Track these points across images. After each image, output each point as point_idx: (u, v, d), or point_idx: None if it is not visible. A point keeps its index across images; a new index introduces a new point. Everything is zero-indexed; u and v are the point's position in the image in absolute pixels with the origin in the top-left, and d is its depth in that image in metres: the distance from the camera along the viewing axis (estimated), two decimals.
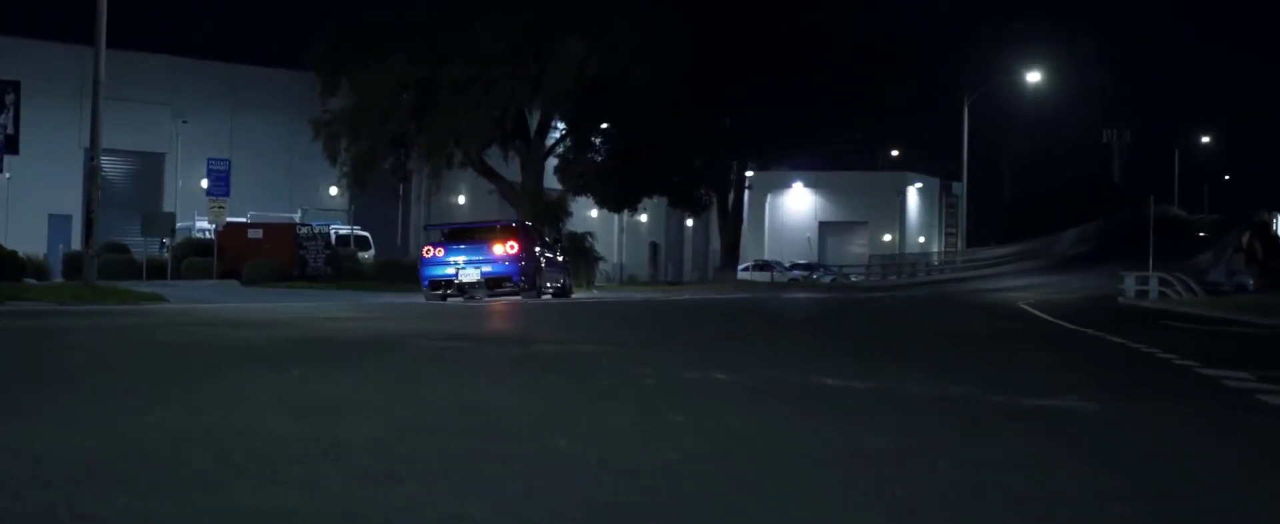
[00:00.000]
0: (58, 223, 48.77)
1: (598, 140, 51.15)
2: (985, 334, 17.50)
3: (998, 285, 57.01)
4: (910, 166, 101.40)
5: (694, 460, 4.96)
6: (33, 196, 48.47)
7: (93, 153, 26.35)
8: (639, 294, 36.78)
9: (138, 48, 47.12)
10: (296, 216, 46.76)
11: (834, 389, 7.86)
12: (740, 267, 63.52)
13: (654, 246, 74.86)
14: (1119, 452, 5.60)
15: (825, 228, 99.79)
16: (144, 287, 28.48)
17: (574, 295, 32.37)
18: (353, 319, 16.38)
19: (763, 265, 75.11)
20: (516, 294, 28.31)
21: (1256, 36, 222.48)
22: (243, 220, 42.08)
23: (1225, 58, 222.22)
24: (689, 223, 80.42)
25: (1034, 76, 78.21)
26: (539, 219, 44.03)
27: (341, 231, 46.09)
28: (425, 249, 29.64)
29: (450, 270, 28.13)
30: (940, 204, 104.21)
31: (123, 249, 38.59)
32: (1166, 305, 37.50)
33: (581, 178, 50.05)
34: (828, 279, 74.76)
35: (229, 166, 37.54)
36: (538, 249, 30.13)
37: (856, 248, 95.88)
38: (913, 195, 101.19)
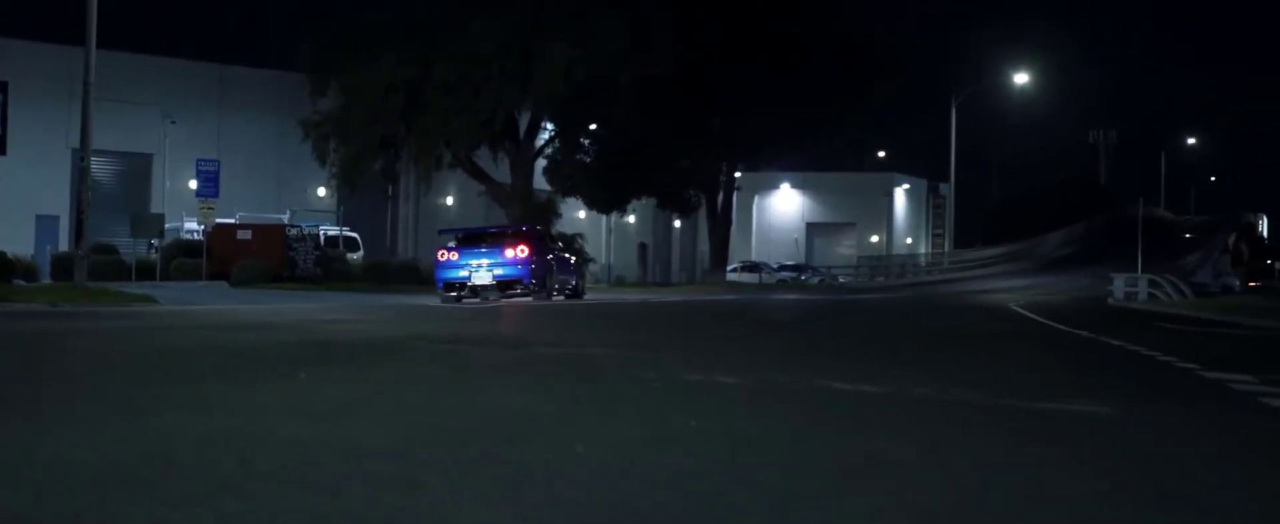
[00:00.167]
0: (45, 224, 48.61)
1: (587, 141, 51.13)
2: (982, 336, 17.52)
3: (986, 286, 57.13)
4: (897, 168, 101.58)
5: (715, 467, 4.96)
6: (20, 197, 48.29)
7: (83, 153, 26.23)
8: (630, 296, 36.75)
9: (126, 48, 46.91)
10: (285, 218, 46.63)
11: (843, 393, 7.85)
12: (728, 268, 63.54)
13: (642, 247, 74.86)
14: (1142, 458, 5.60)
15: (812, 229, 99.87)
16: (133, 288, 28.38)
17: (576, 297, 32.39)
18: (350, 321, 16.34)
19: (751, 266, 75.12)
20: (528, 296, 29.22)
21: (1243, 39, 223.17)
22: (231, 221, 41.96)
23: (1211, 60, 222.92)
24: (677, 224, 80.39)
25: (1021, 78, 78.39)
26: (528, 220, 44.02)
27: (330, 233, 45.99)
28: (440, 252, 30.47)
29: (464, 273, 29.05)
30: (927, 205, 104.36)
31: (111, 250, 38.44)
32: (1156, 307, 37.58)
33: (570, 179, 50.03)
34: (816, 280, 74.79)
35: (218, 167, 37.43)
36: (549, 254, 31.19)
37: (844, 249, 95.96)
38: (900, 196, 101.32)
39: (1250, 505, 4.53)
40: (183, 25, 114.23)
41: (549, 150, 48.22)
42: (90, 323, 15.05)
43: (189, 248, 39.48)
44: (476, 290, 28.80)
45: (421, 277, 40.80)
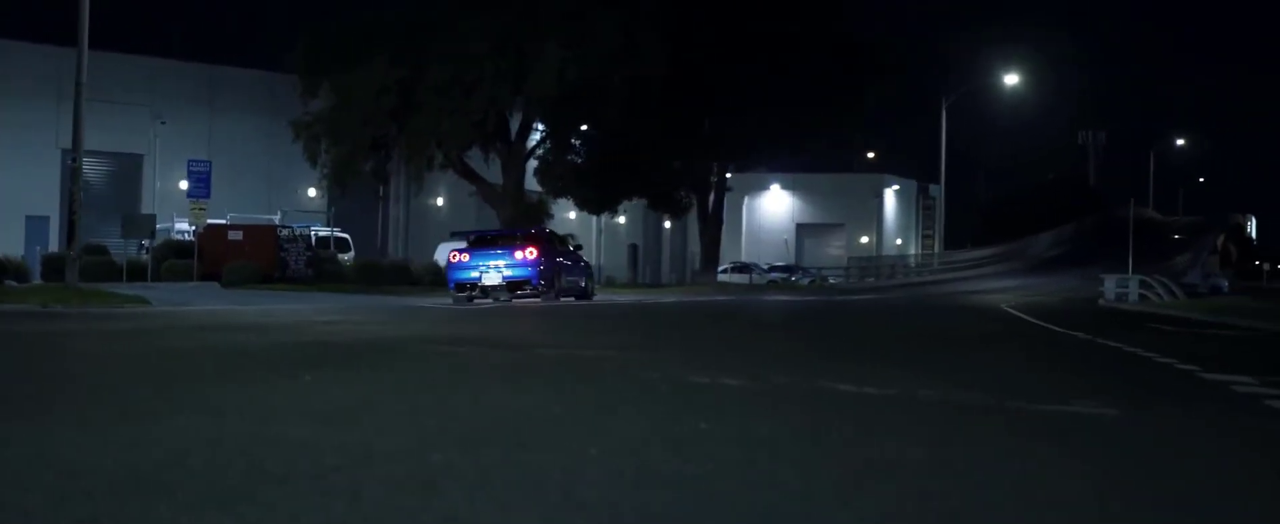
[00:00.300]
0: (35, 224, 48.47)
1: (577, 142, 51.10)
2: (977, 337, 17.53)
3: (976, 287, 57.20)
4: (887, 169, 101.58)
5: (733, 470, 4.95)
6: (9, 198, 48.19)
7: (75, 154, 26.16)
8: (622, 297, 36.73)
9: (116, 48, 46.81)
10: (276, 218, 46.53)
11: (849, 395, 7.85)
12: (718, 269, 63.52)
13: (633, 249, 74.87)
14: (1151, 462, 5.61)
15: (802, 230, 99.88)
16: (125, 289, 28.30)
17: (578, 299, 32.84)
18: (347, 322, 16.30)
19: (741, 267, 75.12)
20: (537, 296, 30.06)
21: (1232, 41, 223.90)
22: (222, 222, 41.86)
23: (1200, 61, 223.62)
24: (667, 225, 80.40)
25: (1011, 79, 78.50)
26: (520, 221, 43.95)
27: (321, 234, 45.91)
28: (452, 254, 31.48)
29: (475, 274, 29.94)
30: (917, 206, 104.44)
31: (102, 251, 38.33)
32: (1148, 308, 37.65)
33: (561, 180, 50.00)
34: (806, 281, 74.82)
35: (210, 168, 37.33)
36: (558, 256, 32.11)
37: (833, 250, 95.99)
38: (890, 197, 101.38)
39: (1262, 510, 4.54)
40: (173, 26, 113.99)
41: (540, 151, 48.18)
42: (86, 324, 15.00)
43: (180, 249, 39.38)
44: (487, 290, 29.65)
45: (412, 277, 40.78)
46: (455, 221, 62.68)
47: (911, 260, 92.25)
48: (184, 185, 41.11)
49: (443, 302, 27.93)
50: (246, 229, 40.14)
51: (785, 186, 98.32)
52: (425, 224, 61.72)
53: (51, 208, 48.54)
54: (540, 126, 46.89)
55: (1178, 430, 6.75)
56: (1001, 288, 56.04)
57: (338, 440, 5.39)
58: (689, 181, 56.72)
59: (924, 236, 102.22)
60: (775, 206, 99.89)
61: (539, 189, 49.74)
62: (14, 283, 30.31)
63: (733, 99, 52.53)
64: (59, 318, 16.62)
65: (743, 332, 18.39)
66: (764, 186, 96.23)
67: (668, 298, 37.56)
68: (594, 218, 64.64)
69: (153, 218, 37.25)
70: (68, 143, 32.66)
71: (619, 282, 63.62)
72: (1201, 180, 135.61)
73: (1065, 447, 5.87)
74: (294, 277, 37.46)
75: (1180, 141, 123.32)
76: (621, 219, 70.42)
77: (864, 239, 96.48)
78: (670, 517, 4.08)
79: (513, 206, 44.26)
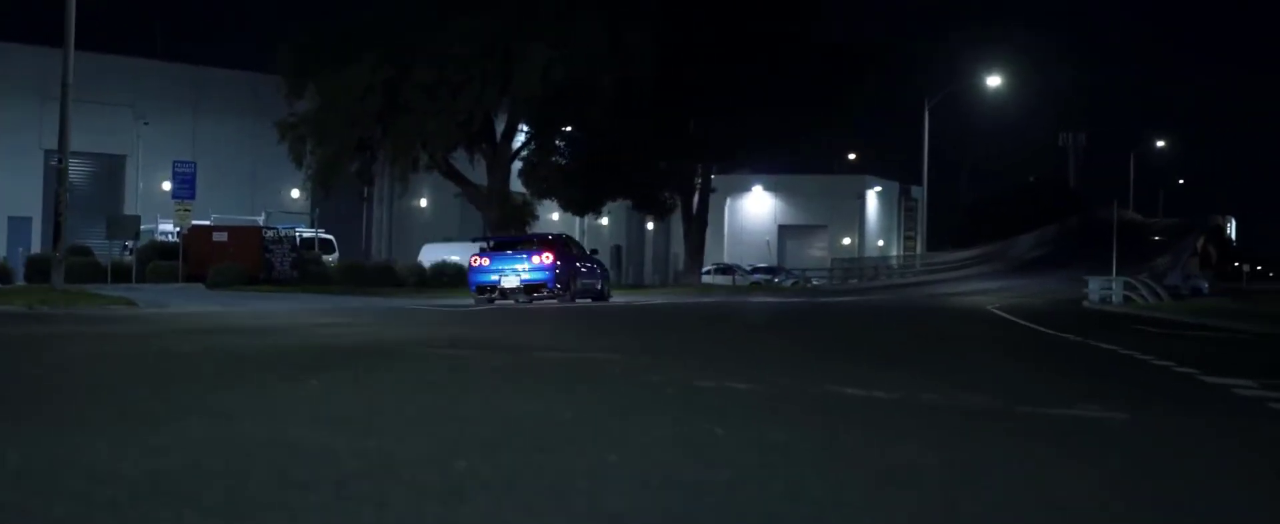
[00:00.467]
0: (17, 225, 48.19)
1: (562, 144, 51.04)
2: (971, 339, 17.55)
3: (960, 289, 57.29)
4: (868, 170, 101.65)
5: (755, 477, 4.93)
6: None
7: (61, 155, 26.02)
8: (613, 298, 36.72)
9: (99, 49, 46.57)
10: (260, 220, 46.37)
11: (857, 399, 7.84)
12: (702, 270, 63.49)
13: (617, 250, 74.83)
14: (1166, 468, 5.62)
15: (785, 231, 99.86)
16: (110, 290, 28.18)
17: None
18: (343, 325, 16.25)
19: (724, 269, 75.06)
20: (552, 298, 31.44)
21: (1211, 43, 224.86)
22: (207, 223, 41.69)
23: (1181, 63, 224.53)
24: (650, 226, 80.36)
25: (993, 81, 78.62)
26: (505, 222, 43.89)
27: (305, 235, 45.76)
28: (473, 258, 33.06)
29: (494, 277, 31.42)
30: (899, 207, 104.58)
31: (86, 252, 38.11)
32: (1132, 310, 37.77)
33: (546, 181, 49.90)
34: (789, 283, 74.83)
35: (195, 169, 37.16)
36: (574, 261, 33.60)
37: (816, 251, 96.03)
38: (872, 199, 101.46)
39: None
40: (156, 27, 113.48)
41: (525, 152, 48.12)
42: (79, 327, 14.91)
43: (164, 250, 39.19)
44: (506, 293, 31.09)
45: (397, 279, 40.70)
46: (438, 223, 62.62)
47: (894, 262, 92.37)
48: (167, 186, 40.92)
49: (431, 303, 27.94)
50: (231, 230, 39.98)
51: (767, 188, 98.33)
52: (408, 226, 61.58)
53: (34, 209, 48.27)
54: (525, 128, 46.81)
55: (1190, 436, 6.76)
56: (984, 289, 56.14)
57: (355, 446, 5.36)
58: (674, 183, 56.69)
59: (906, 238, 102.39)
60: (757, 208, 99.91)
61: (524, 190, 49.64)
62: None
63: (718, 100, 52.52)
64: (49, 320, 16.53)
65: (738, 334, 18.38)
66: (746, 188, 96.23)
67: (655, 299, 37.55)
68: (578, 219, 64.57)
69: (137, 219, 37.05)
70: (51, 143, 32.56)
71: None
72: (1181, 182, 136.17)
73: (1080, 452, 5.87)
74: (279, 278, 37.33)
75: (1160, 143, 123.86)
76: (604, 220, 70.38)
77: (846, 240, 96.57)
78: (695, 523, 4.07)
79: (498, 208, 44.17)
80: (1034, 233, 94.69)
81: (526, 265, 31.36)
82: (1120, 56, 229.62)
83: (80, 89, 26.61)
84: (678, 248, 71.99)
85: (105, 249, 37.85)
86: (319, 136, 40.09)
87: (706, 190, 58.42)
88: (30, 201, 48.37)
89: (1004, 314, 28.31)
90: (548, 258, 31.56)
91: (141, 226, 37.92)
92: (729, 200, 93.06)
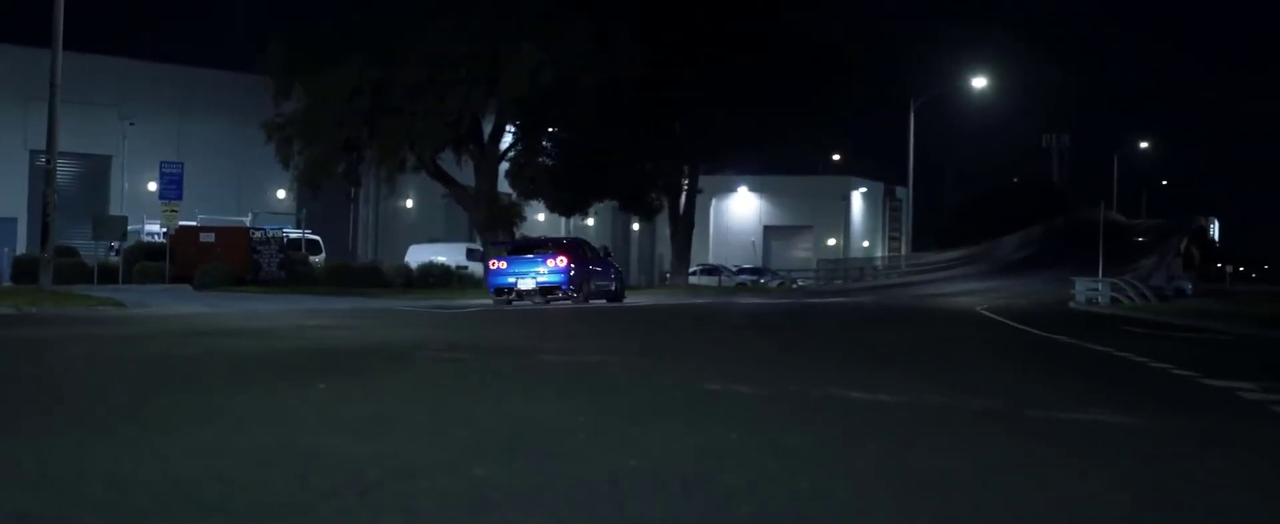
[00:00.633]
0: (2, 226, 47.88)
1: (548, 145, 50.90)
2: (965, 341, 17.57)
3: (946, 290, 57.37)
4: (853, 171, 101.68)
5: (777, 482, 4.92)
6: None
7: (49, 156, 25.90)
8: (599, 299, 36.76)
9: (84, 49, 46.31)
10: (247, 220, 46.17)
11: (864, 403, 7.84)
12: (688, 271, 63.45)
13: (605, 250, 74.76)
14: (1189, 473, 5.63)
15: (770, 232, 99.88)
16: (97, 291, 28.01)
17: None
18: (338, 327, 16.19)
19: (710, 270, 75.00)
20: (567, 300, 32.70)
21: (1195, 44, 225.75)
22: (193, 224, 41.49)
23: (1163, 64, 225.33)
24: (635, 227, 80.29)
25: (978, 82, 78.73)
26: (493, 223, 43.79)
27: (292, 236, 45.58)
28: (491, 262, 34.23)
29: (512, 280, 32.75)
30: (884, 208, 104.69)
31: (72, 253, 37.86)
32: (1119, 311, 37.88)
33: (532, 182, 49.74)
34: (775, 283, 74.83)
35: (182, 170, 36.94)
36: (588, 264, 34.75)
37: (800, 252, 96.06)
38: (856, 200, 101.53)
39: None
40: (142, 27, 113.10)
41: (512, 153, 48.02)
42: (74, 329, 14.82)
43: (151, 250, 38.98)
44: (522, 295, 32.43)
45: (384, 280, 40.56)
46: (424, 224, 62.50)
47: (879, 262, 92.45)
48: (153, 187, 40.72)
49: (421, 305, 27.87)
50: (219, 231, 39.79)
51: (753, 189, 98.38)
52: (394, 226, 61.43)
53: (19, 209, 48.02)
54: (512, 128, 46.68)
55: (1203, 441, 6.77)
56: (971, 290, 56.24)
57: (372, 452, 5.34)
58: (660, 183, 56.63)
59: (891, 239, 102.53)
60: (742, 209, 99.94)
61: (511, 191, 49.50)
62: None
63: (705, 100, 52.48)
64: (41, 322, 16.42)
65: (733, 335, 18.38)
66: (731, 189, 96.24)
67: (643, 300, 37.55)
68: (563, 219, 64.47)
69: (124, 220, 36.80)
70: (36, 144, 32.40)
71: None
72: (1165, 183, 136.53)
73: (1098, 458, 5.87)
74: (266, 279, 37.16)
75: (1144, 145, 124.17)
76: (590, 221, 70.27)
77: (831, 241, 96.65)
78: None
79: (485, 209, 44.04)
80: (1019, 234, 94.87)
81: (542, 269, 32.69)
82: (1103, 58, 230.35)
83: (65, 89, 26.45)
84: (663, 249, 71.95)
85: (91, 250, 37.62)
86: (306, 137, 39.88)
87: (694, 191, 58.38)
88: (14, 202, 48.11)
89: (993, 316, 28.37)
90: (562, 262, 32.87)
91: (128, 227, 37.71)
92: (714, 201, 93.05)
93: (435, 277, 42.35)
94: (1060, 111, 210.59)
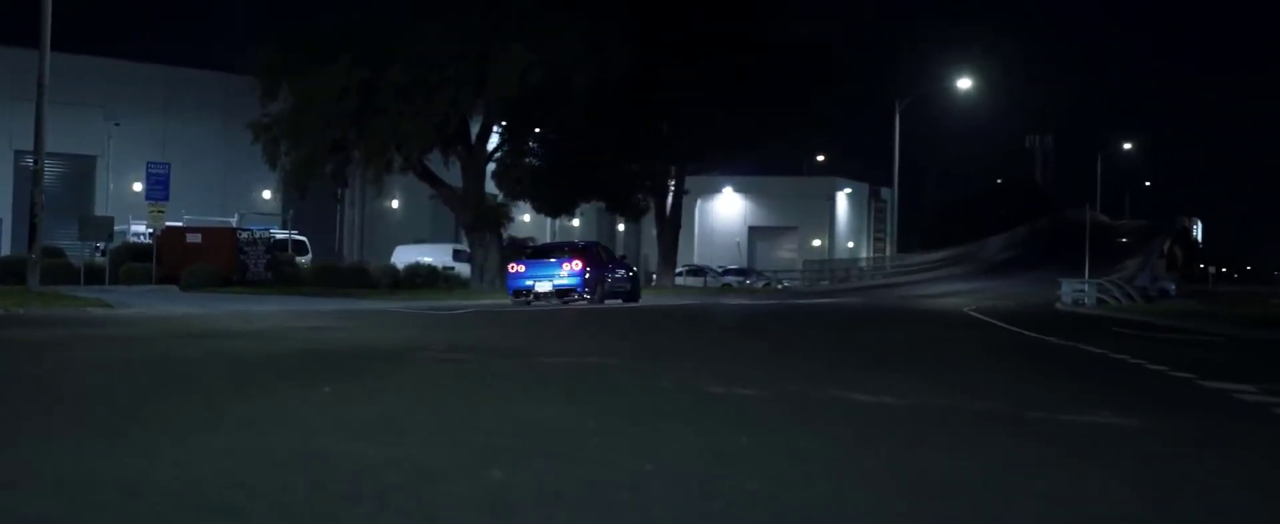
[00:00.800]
0: None
1: (535, 145, 50.85)
2: (959, 342, 17.58)
3: (932, 291, 57.47)
4: (838, 172, 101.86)
5: (796, 487, 4.91)
6: None
7: (37, 157, 25.81)
8: (615, 299, 37.07)
9: (70, 49, 46.16)
10: (233, 221, 46.09)
11: (869, 406, 7.84)
12: (675, 271, 63.47)
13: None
14: (1198, 479, 5.64)
15: (755, 232, 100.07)
16: (84, 292, 27.92)
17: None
18: (332, 328, 16.14)
19: (695, 270, 75.07)
20: (582, 301, 34.01)
21: (1178, 47, 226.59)
22: (179, 224, 41.39)
23: (1146, 67, 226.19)
24: (620, 227, 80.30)
25: (963, 84, 78.87)
26: (480, 224, 43.71)
27: (279, 236, 45.50)
28: (510, 266, 36.10)
29: (530, 282, 34.32)
30: (868, 209, 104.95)
31: (58, 253, 37.70)
32: (1107, 312, 37.98)
33: (519, 182, 49.70)
34: (761, 284, 74.90)
35: (169, 170, 36.81)
36: (603, 267, 36.25)
37: (785, 253, 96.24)
38: (841, 200, 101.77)
39: None
40: (127, 27, 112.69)
41: (499, 154, 47.96)
42: (67, 331, 14.75)
43: (137, 251, 38.85)
44: (539, 296, 33.89)
45: (371, 280, 40.51)
46: (410, 224, 62.48)
47: (864, 263, 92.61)
48: (138, 187, 40.58)
49: (411, 306, 27.83)
50: (205, 232, 39.69)
51: (738, 189, 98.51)
52: (380, 227, 61.43)
53: (4, 210, 47.90)
54: (498, 129, 46.60)
55: (1207, 445, 6.78)
56: (956, 291, 56.36)
57: (386, 456, 5.32)
58: (647, 184, 56.65)
59: (876, 239, 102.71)
60: (728, 209, 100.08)
61: (498, 192, 49.44)
62: None
63: (693, 102, 52.51)
64: (33, 324, 16.33)
65: (726, 336, 18.38)
66: (716, 189, 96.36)
67: (611, 301, 37.57)
68: (549, 220, 64.45)
69: (111, 220, 36.68)
70: (20, 144, 32.32)
71: None
72: (1147, 184, 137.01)
73: (1108, 462, 5.89)
74: (253, 280, 37.07)
75: (1127, 146, 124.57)
76: (576, 222, 70.29)
77: (816, 242, 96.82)
78: None
79: (473, 210, 43.97)
80: (1003, 235, 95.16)
81: (558, 272, 34.36)
82: (1087, 60, 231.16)
83: (51, 89, 26.37)
84: (649, 249, 71.95)
85: (76, 250, 37.49)
86: (293, 138, 39.73)
87: (680, 192, 58.40)
88: None
89: (983, 317, 28.42)
90: (577, 265, 34.52)
91: (115, 227, 37.58)
92: (700, 202, 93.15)
93: (422, 277, 42.32)
94: (1043, 113, 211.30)
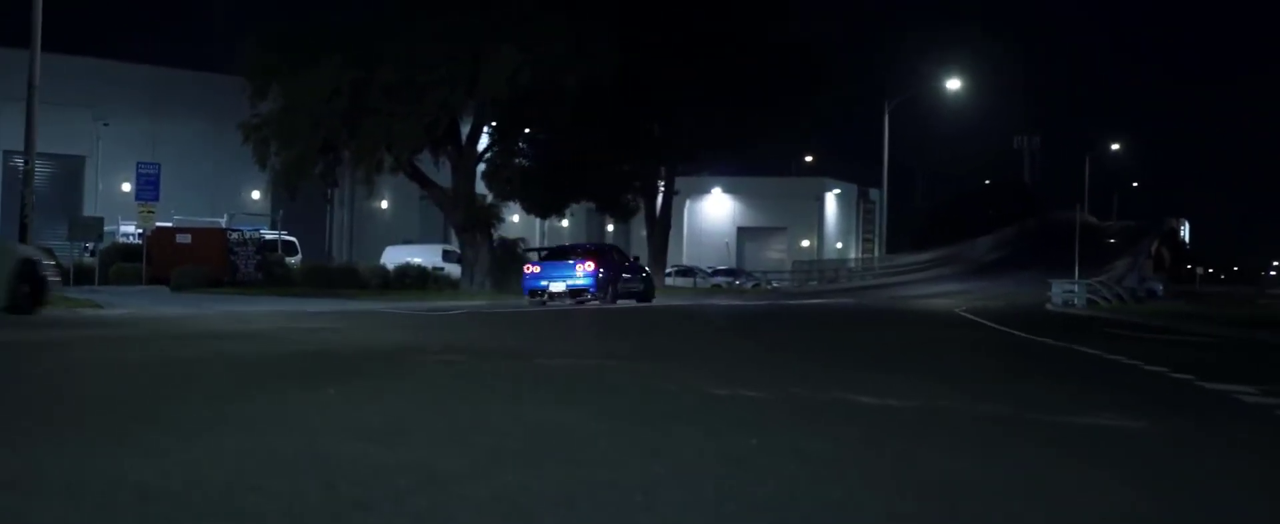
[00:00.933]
0: None
1: (525, 146, 50.78)
2: (954, 343, 17.59)
3: (922, 291, 57.52)
4: (826, 172, 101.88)
5: (809, 489, 4.90)
6: None
7: (28, 157, 25.70)
8: (629, 300, 37.32)
9: (56, 49, 46.00)
10: (223, 221, 45.99)
11: (874, 408, 7.84)
12: (665, 272, 63.43)
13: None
14: (1210, 482, 5.64)
15: (743, 233, 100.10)
16: (75, 292, 27.79)
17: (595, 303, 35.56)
18: (328, 329, 16.10)
19: (685, 271, 75.09)
20: (595, 301, 35.03)
21: (1164, 48, 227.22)
22: (169, 225, 41.28)
23: (1133, 67, 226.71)
24: (609, 228, 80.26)
25: (952, 84, 78.95)
26: (471, 224, 43.64)
27: (268, 236, 45.41)
28: (526, 267, 37.53)
29: (544, 283, 35.72)
30: (857, 210, 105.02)
31: (47, 253, 37.54)
32: (1097, 313, 38.07)
33: (509, 183, 49.64)
34: (750, 285, 74.93)
35: (159, 170, 36.66)
36: (616, 268, 37.41)
37: (774, 253, 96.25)
38: (830, 201, 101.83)
39: None
40: (115, 27, 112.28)
41: (489, 154, 47.92)
42: (62, 332, 14.69)
43: (127, 251, 38.74)
44: (554, 296, 35.17)
45: (360, 281, 40.43)
46: (399, 224, 62.39)
47: (853, 264, 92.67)
48: (127, 187, 40.44)
49: (403, 307, 27.80)
50: (195, 232, 39.59)
51: (727, 190, 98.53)
52: (369, 227, 61.33)
53: None
54: (488, 129, 46.54)
55: (1215, 447, 6.79)
56: (946, 292, 56.42)
57: (395, 459, 5.30)
58: (637, 185, 56.61)
59: (864, 240, 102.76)
60: (716, 210, 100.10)
61: (487, 192, 49.37)
62: None
63: (684, 102, 52.50)
64: (22, 325, 16.24)
65: (722, 337, 18.38)
66: (705, 190, 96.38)
67: (625, 302, 37.57)
68: (538, 221, 64.39)
69: (100, 221, 36.57)
70: (9, 144, 32.19)
71: None
72: (1135, 185, 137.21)
73: (1119, 464, 5.88)
74: (243, 280, 36.99)
75: (1115, 146, 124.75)
76: (565, 222, 70.25)
77: (805, 242, 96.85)
78: None
79: (463, 211, 43.90)
80: (992, 235, 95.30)
81: (572, 273, 35.66)
82: (1074, 61, 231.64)
83: (40, 90, 26.26)
84: (638, 250, 71.82)
85: (65, 251, 37.36)
86: (284, 138, 39.62)
87: (670, 192, 58.39)
88: None
89: (974, 317, 28.45)
90: (590, 266, 35.87)
91: (104, 228, 37.46)
92: (688, 202, 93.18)
93: (412, 278, 42.25)
94: (1032, 114, 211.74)
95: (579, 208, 62.64)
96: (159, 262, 35.90)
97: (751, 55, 52.12)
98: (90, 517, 4.11)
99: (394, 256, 47.21)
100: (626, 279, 37.87)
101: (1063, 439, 6.67)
